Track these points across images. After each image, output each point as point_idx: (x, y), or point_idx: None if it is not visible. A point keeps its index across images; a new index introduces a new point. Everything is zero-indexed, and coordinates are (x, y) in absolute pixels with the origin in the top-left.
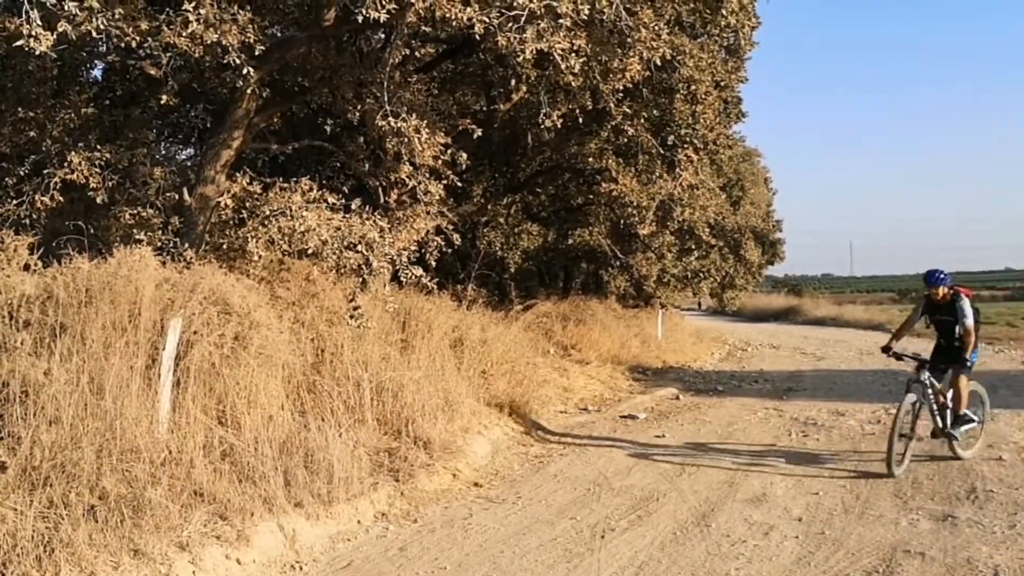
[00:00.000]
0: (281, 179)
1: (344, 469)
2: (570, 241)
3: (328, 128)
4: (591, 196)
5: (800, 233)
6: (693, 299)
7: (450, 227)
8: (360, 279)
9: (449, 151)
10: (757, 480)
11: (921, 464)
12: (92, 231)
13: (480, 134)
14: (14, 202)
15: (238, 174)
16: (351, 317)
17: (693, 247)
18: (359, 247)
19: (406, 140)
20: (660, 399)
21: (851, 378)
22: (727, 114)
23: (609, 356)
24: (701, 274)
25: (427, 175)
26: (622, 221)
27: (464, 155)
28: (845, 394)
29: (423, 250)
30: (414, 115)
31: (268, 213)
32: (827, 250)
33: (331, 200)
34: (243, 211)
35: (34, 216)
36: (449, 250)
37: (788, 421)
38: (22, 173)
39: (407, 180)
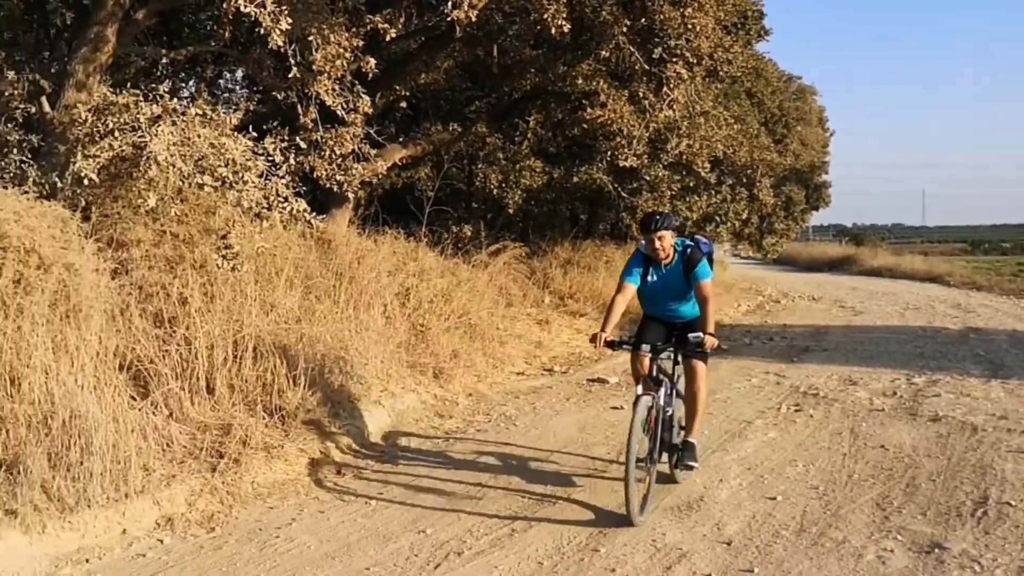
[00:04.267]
0: (166, 89)
1: (119, 456)
2: (575, 179)
3: (228, 32)
4: (585, 126)
5: (872, 181)
6: (736, 247)
7: (406, 160)
8: (239, 211)
9: (357, 59)
10: (703, 477)
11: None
12: None
13: (392, 37)
14: None
15: (98, 81)
16: (223, 258)
17: (692, 184)
18: (221, 171)
19: (296, 40)
20: None
21: (883, 336)
22: (744, 29)
23: None
24: (717, 217)
25: (349, 86)
26: (609, 153)
27: (372, 61)
28: (868, 356)
29: (374, 182)
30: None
31: (112, 127)
32: (899, 198)
33: (210, 114)
34: (99, 126)
35: None
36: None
37: (785, 390)
38: None
39: (325, 95)
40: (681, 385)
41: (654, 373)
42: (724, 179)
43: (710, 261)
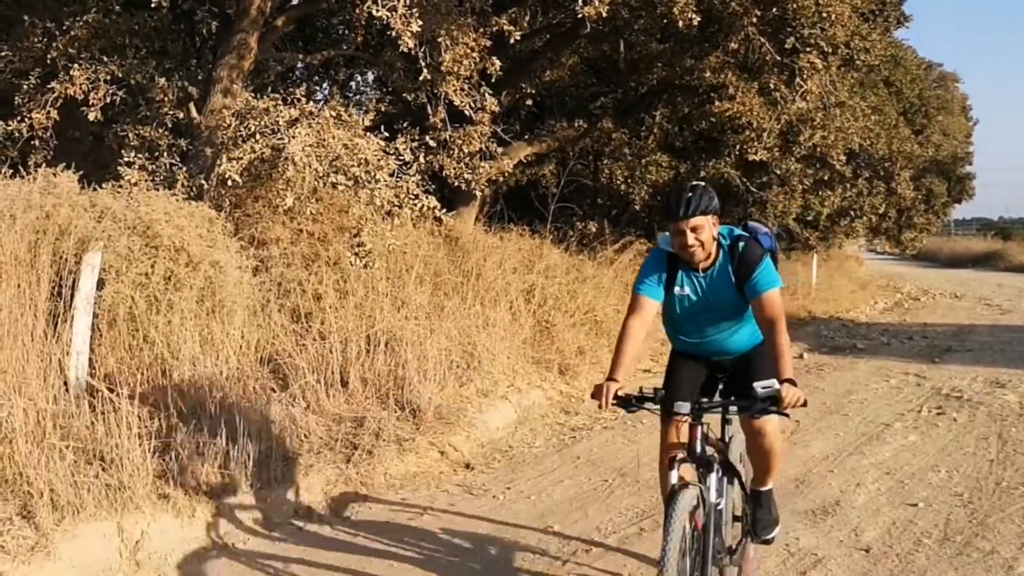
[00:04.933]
0: (302, 92)
1: (261, 446)
2: (702, 174)
3: (360, 35)
4: (713, 120)
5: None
6: (872, 242)
7: (531, 157)
8: (371, 209)
9: (483, 59)
10: (839, 480)
11: None
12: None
13: (516, 38)
14: (17, 119)
15: (241, 86)
16: (356, 255)
17: (826, 177)
18: (354, 170)
19: (426, 42)
20: None
21: None
22: (882, 15)
23: None
24: (852, 212)
25: (476, 86)
26: (737, 146)
27: (498, 62)
28: (1017, 357)
29: (499, 180)
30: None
31: (253, 130)
32: None
33: (344, 116)
34: (242, 129)
35: (39, 134)
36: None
37: (926, 392)
38: (25, 87)
39: (453, 95)
40: (735, 451)
41: (698, 448)
42: (860, 172)
43: (773, 259)
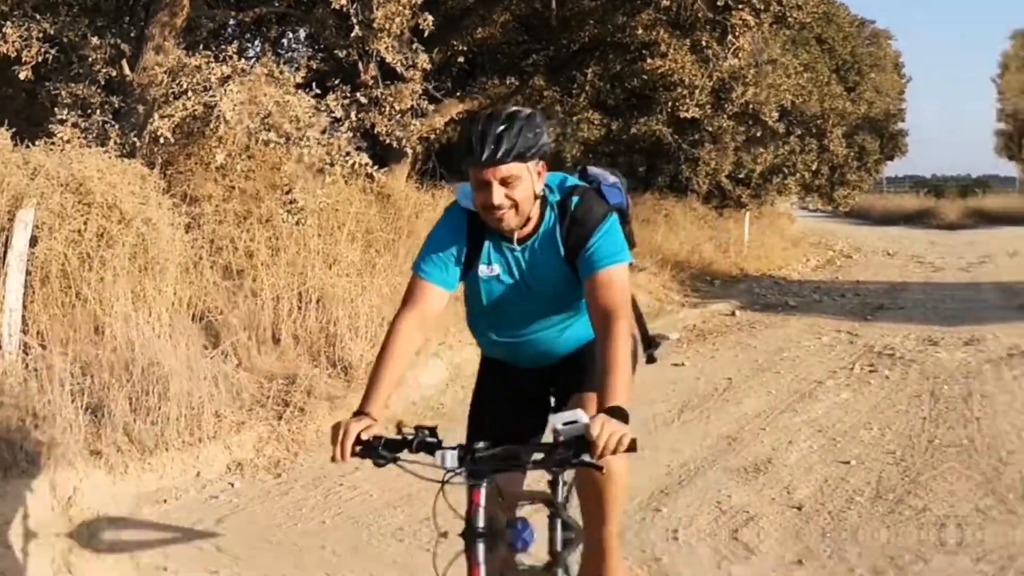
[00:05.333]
0: (234, 50)
1: (193, 403)
2: (633, 131)
3: None
4: (645, 77)
5: (974, 131)
6: (804, 200)
7: (463, 115)
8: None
9: (415, 16)
10: (771, 438)
11: None
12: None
13: None
14: None
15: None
16: (288, 212)
17: (758, 135)
18: (285, 127)
19: None
20: (712, 315)
21: (968, 293)
22: None
23: (672, 262)
24: (785, 169)
25: (407, 43)
26: (669, 104)
27: (430, 18)
28: (950, 315)
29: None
30: None
31: (185, 87)
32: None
33: (275, 74)
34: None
35: None
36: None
37: (858, 350)
38: None
39: (385, 52)
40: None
41: (479, 519)
42: (793, 129)
43: (624, 221)
